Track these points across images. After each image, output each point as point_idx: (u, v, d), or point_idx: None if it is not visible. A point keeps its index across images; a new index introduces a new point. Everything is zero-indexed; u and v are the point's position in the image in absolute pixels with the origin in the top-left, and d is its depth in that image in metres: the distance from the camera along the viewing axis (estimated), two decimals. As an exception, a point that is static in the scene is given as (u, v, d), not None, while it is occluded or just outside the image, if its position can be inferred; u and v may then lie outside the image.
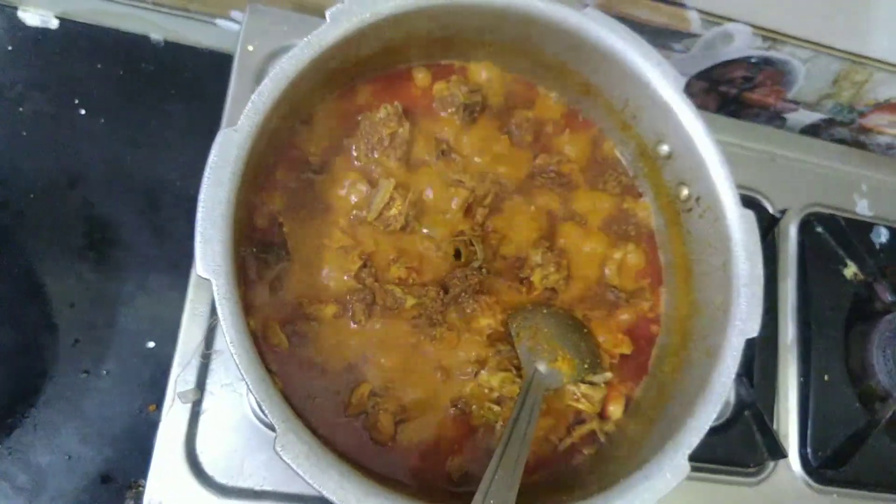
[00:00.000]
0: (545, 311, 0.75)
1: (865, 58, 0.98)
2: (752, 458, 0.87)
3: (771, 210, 0.98)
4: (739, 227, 0.70)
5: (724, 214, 0.70)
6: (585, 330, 0.76)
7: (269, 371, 0.58)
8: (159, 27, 0.96)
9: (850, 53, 0.97)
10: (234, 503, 0.70)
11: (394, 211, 0.71)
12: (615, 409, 0.76)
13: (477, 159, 0.78)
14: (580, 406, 0.75)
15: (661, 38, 0.96)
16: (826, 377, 0.92)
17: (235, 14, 0.93)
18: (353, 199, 0.73)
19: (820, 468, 0.89)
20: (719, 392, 0.65)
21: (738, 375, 0.82)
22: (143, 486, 0.69)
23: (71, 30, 0.94)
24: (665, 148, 0.77)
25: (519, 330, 0.72)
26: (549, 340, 0.72)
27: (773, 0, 0.89)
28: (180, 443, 0.70)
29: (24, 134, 0.89)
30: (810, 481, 0.88)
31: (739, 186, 0.71)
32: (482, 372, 0.72)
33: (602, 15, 0.71)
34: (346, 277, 0.71)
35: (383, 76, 0.77)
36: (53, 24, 0.94)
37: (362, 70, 0.75)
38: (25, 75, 0.91)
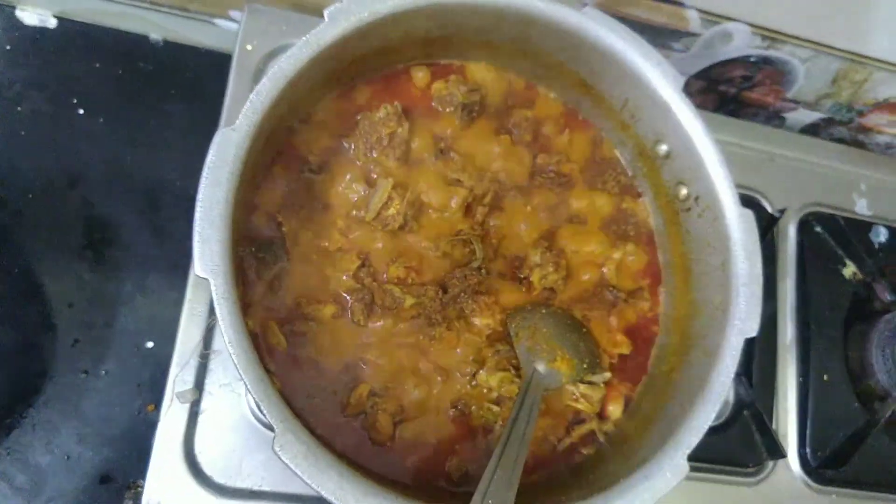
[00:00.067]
0: (544, 310, 0.75)
1: (865, 57, 0.98)
2: (751, 457, 0.87)
3: (770, 209, 0.98)
4: (738, 226, 0.70)
5: (723, 214, 0.70)
6: (584, 330, 0.76)
7: (268, 371, 0.58)
8: (158, 27, 0.95)
9: (850, 53, 0.97)
10: (232, 503, 0.69)
11: (392, 210, 0.71)
12: (614, 409, 0.76)
13: (476, 159, 0.78)
14: (579, 406, 0.74)
15: (660, 37, 0.96)
16: (825, 377, 0.92)
17: (234, 14, 0.93)
18: (352, 198, 0.73)
19: (819, 468, 0.89)
20: (718, 392, 0.65)
21: (738, 375, 0.83)
22: (142, 487, 0.69)
23: (69, 29, 0.94)
24: (664, 147, 0.77)
25: (518, 330, 0.72)
26: (548, 340, 0.72)
27: (773, -1, 0.90)
28: (179, 443, 0.70)
29: (23, 133, 0.89)
30: (809, 481, 0.88)
31: (738, 186, 0.71)
32: (481, 372, 0.72)
33: (601, 14, 0.71)
34: (344, 277, 0.71)
35: (382, 76, 0.77)
36: (52, 23, 0.93)
37: (361, 69, 0.75)
38: (24, 75, 0.91)
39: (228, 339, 0.55)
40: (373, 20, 0.65)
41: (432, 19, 0.71)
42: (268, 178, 0.71)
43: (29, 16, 0.93)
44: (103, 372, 0.84)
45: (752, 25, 0.93)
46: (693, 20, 0.92)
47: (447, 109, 0.78)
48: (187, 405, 0.71)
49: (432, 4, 0.68)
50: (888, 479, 0.91)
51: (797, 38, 0.95)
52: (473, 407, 0.72)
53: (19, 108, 0.90)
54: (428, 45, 0.76)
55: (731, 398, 0.89)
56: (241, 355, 0.55)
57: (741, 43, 0.96)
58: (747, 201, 0.89)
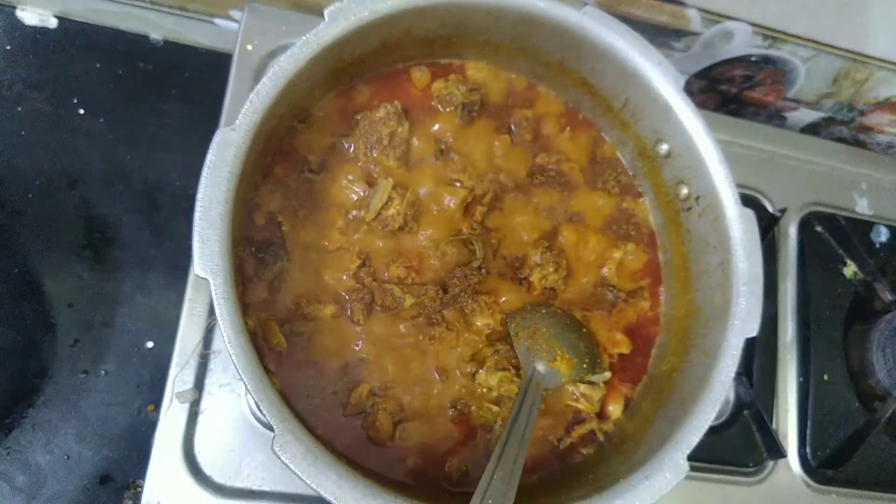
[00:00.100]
0: (544, 310, 0.75)
1: (866, 56, 0.98)
2: (751, 457, 0.87)
3: (770, 209, 0.98)
4: (739, 226, 0.70)
5: (724, 213, 0.70)
6: (584, 329, 0.76)
7: (268, 371, 0.58)
8: (158, 26, 0.96)
9: (851, 52, 0.97)
10: (232, 503, 0.69)
11: (392, 210, 0.71)
12: (614, 409, 0.76)
13: (476, 159, 0.78)
14: (579, 406, 0.74)
15: (660, 36, 0.95)
16: (825, 376, 0.92)
17: (234, 13, 0.93)
18: (352, 198, 0.73)
19: (819, 468, 0.89)
20: (718, 391, 0.65)
21: (738, 375, 0.83)
22: (142, 486, 0.69)
23: (70, 29, 0.94)
24: (664, 147, 0.77)
25: (518, 330, 0.72)
26: (547, 340, 0.72)
27: (773, -2, 0.90)
28: (178, 443, 0.70)
29: (23, 133, 0.89)
30: (809, 481, 0.88)
31: (739, 185, 0.71)
32: (481, 371, 0.72)
33: (602, 13, 0.71)
34: (344, 277, 0.71)
35: (382, 75, 0.77)
36: (52, 23, 0.93)
37: (361, 69, 0.74)
38: (24, 74, 0.91)
39: (228, 339, 0.55)
40: (373, 19, 0.65)
41: (432, 18, 0.70)
42: (268, 178, 0.71)
43: (29, 16, 0.93)
44: (103, 372, 0.84)
45: (753, 24, 0.93)
46: (694, 19, 0.92)
47: (447, 109, 0.78)
48: (187, 405, 0.71)
49: (432, 4, 0.68)
50: (888, 478, 0.90)
51: (798, 37, 0.95)
52: (473, 407, 0.72)
53: (19, 108, 0.90)
54: (428, 44, 0.75)
55: (732, 398, 0.89)
56: (240, 355, 0.55)
57: (742, 42, 0.96)
58: (748, 201, 0.89)
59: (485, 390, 0.72)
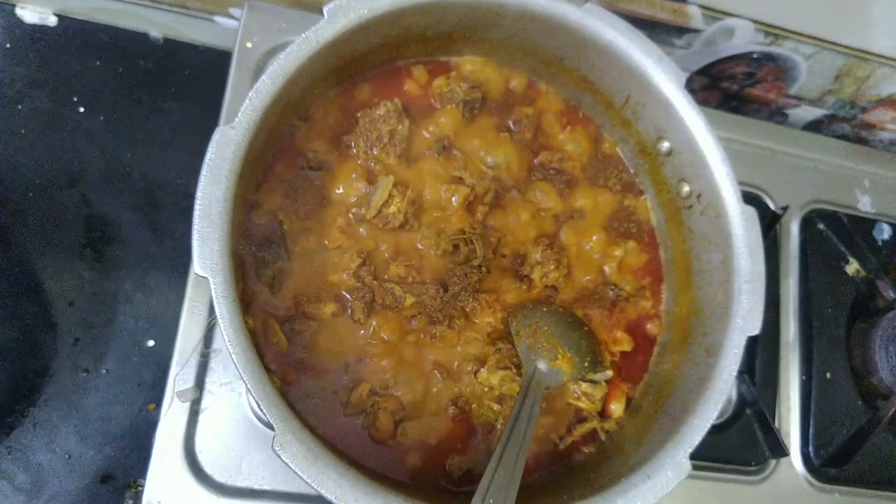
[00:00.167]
0: (545, 308, 0.75)
1: (868, 53, 0.97)
2: (753, 456, 0.87)
3: (772, 207, 0.97)
4: (740, 223, 0.69)
5: (726, 211, 0.70)
6: (586, 328, 0.76)
7: (268, 370, 0.57)
8: (158, 24, 0.95)
9: (853, 49, 0.97)
10: (232, 502, 0.69)
11: (393, 208, 0.71)
12: (616, 408, 0.76)
13: (477, 156, 0.78)
14: (581, 404, 0.74)
15: (662, 33, 0.95)
16: (828, 375, 0.92)
17: (234, 11, 0.92)
18: (353, 196, 0.73)
19: (822, 466, 0.89)
20: (720, 390, 0.65)
21: (740, 373, 0.83)
22: (143, 485, 0.69)
23: (69, 27, 0.94)
24: (666, 144, 0.76)
25: (519, 328, 0.72)
26: (549, 338, 0.72)
27: (775, -5, 0.89)
28: (179, 442, 0.70)
29: (23, 132, 0.89)
30: (812, 479, 0.88)
31: (741, 183, 0.70)
32: (482, 370, 0.71)
33: (602, 10, 0.71)
34: (345, 276, 0.71)
35: (382, 72, 0.77)
36: (52, 21, 0.93)
37: (361, 66, 0.74)
38: (24, 73, 0.91)
39: (228, 338, 0.55)
40: (372, 17, 0.65)
41: (432, 16, 0.70)
42: (268, 176, 0.71)
43: (29, 14, 0.93)
44: (104, 371, 0.84)
45: (754, 21, 0.92)
46: (695, 16, 0.92)
47: (448, 107, 0.77)
48: (188, 404, 0.71)
49: (432, 1, 0.67)
50: (891, 477, 0.90)
51: (800, 34, 0.94)
52: (474, 405, 0.72)
53: (19, 107, 0.90)
54: (428, 41, 0.75)
55: (734, 396, 0.88)
56: (240, 354, 0.55)
57: (743, 39, 0.96)
58: (750, 198, 0.89)
59: (486, 389, 0.72)
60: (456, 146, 0.77)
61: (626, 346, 0.77)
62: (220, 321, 0.55)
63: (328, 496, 0.54)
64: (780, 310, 0.94)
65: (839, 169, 1.04)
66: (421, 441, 0.69)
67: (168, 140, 0.92)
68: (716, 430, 0.81)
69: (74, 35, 0.93)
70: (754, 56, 1.00)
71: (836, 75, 1.03)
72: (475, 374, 0.72)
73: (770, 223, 0.95)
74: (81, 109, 0.91)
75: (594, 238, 0.79)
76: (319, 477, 0.54)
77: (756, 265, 0.68)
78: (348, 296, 0.70)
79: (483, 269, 0.73)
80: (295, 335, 0.68)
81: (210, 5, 0.92)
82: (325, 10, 0.64)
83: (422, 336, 0.71)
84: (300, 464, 0.54)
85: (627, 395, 0.77)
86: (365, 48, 0.70)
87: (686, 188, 0.76)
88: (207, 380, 0.73)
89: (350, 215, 0.72)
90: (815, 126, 1.17)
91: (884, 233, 1.01)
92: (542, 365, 0.71)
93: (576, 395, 0.75)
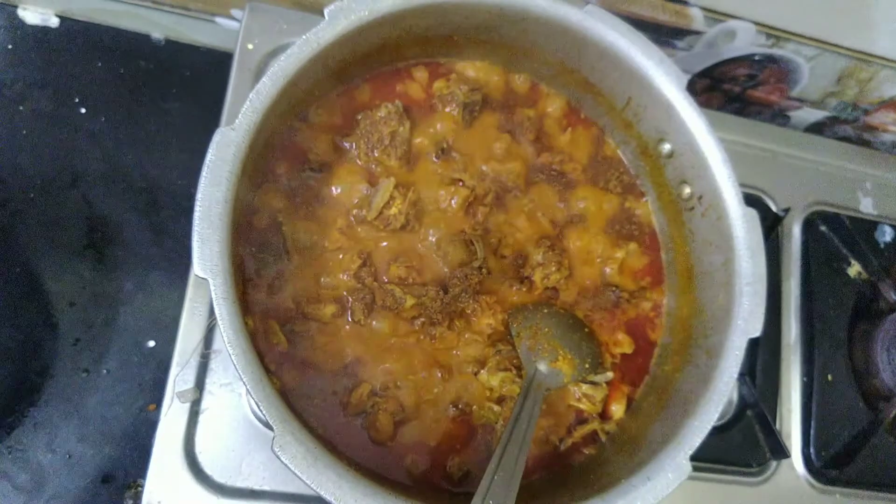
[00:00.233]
0: (546, 310, 0.75)
1: (870, 55, 0.97)
2: (754, 458, 0.86)
3: (774, 208, 0.97)
4: (742, 225, 0.69)
5: (727, 213, 0.70)
6: (586, 329, 0.76)
7: (268, 371, 0.57)
8: (160, 25, 0.95)
9: (855, 51, 0.97)
10: (232, 503, 0.69)
11: (394, 210, 0.71)
12: (617, 409, 0.75)
13: (477, 158, 0.78)
14: (581, 406, 0.74)
15: (663, 35, 0.95)
16: (829, 377, 0.92)
17: (235, 12, 0.93)
18: (354, 198, 0.73)
19: (823, 468, 0.88)
20: (721, 392, 0.65)
21: (741, 375, 0.82)
22: (142, 486, 0.69)
23: (71, 28, 0.94)
24: (667, 146, 0.76)
25: (519, 329, 0.72)
26: (549, 340, 0.72)
27: (777, -3, 0.89)
28: (179, 442, 0.70)
29: (24, 132, 0.89)
30: (813, 481, 0.88)
31: (742, 185, 0.70)
32: (482, 372, 0.71)
33: (603, 12, 0.71)
34: (345, 277, 0.71)
35: (383, 74, 0.77)
36: (54, 22, 0.93)
37: (361, 68, 0.74)
38: (25, 74, 0.91)
39: (228, 339, 0.55)
40: (373, 19, 0.65)
41: (432, 17, 0.70)
42: (268, 178, 0.71)
43: (31, 15, 0.93)
44: (104, 371, 0.84)
45: (756, 23, 0.92)
46: (697, 18, 0.92)
47: (448, 108, 0.77)
48: (188, 405, 0.71)
49: (432, 3, 0.67)
50: (892, 478, 0.90)
51: (802, 36, 0.94)
52: (474, 407, 0.72)
53: (21, 108, 0.90)
54: (428, 43, 0.75)
55: (735, 398, 0.88)
56: (240, 356, 0.55)
57: (745, 41, 0.96)
58: (751, 200, 0.89)
59: (487, 390, 0.72)
60: (456, 148, 0.77)
61: (627, 347, 0.77)
62: (219, 322, 0.55)
63: (327, 497, 0.54)
64: (782, 312, 0.94)
65: (841, 171, 1.04)
66: (421, 442, 0.69)
67: (169, 141, 0.92)
68: (717, 431, 0.81)
69: (76, 36, 0.94)
70: (756, 58, 1.00)
71: (838, 77, 1.03)
72: (475, 375, 0.72)
73: (772, 225, 0.95)
74: (83, 110, 0.91)
75: (595, 240, 0.79)
76: (319, 478, 0.54)
77: (757, 267, 0.68)
78: (348, 297, 0.70)
79: (484, 270, 0.73)
80: (295, 336, 0.68)
81: (211, 6, 0.92)
82: (325, 11, 0.64)
83: (422, 337, 0.71)
84: (300, 465, 0.54)
85: (628, 397, 0.77)
86: (365, 50, 0.70)
87: (687, 190, 0.76)
88: (207, 380, 0.73)
89: (350, 217, 0.72)
90: (817, 128, 1.17)
91: (886, 235, 1.01)
92: (542, 366, 0.71)
93: (576, 396, 0.74)
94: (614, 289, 0.79)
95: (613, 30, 0.71)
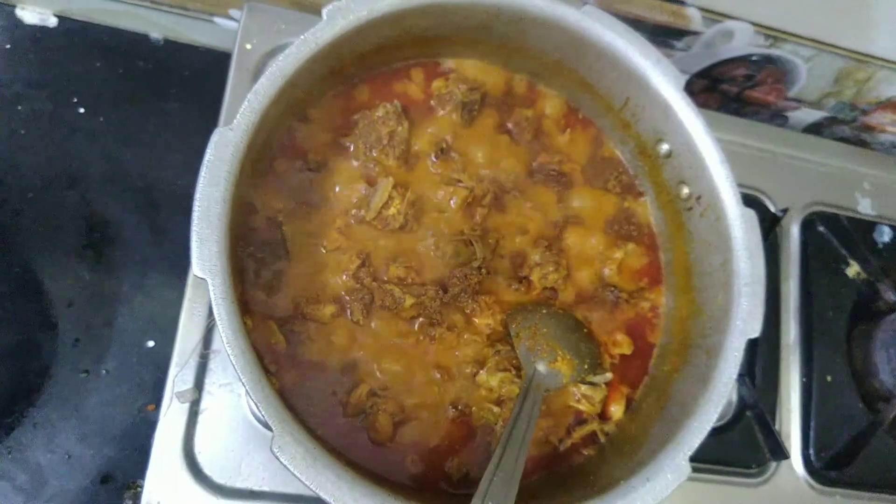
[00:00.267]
0: (545, 310, 0.75)
1: (868, 56, 0.97)
2: (754, 458, 0.86)
3: (772, 209, 0.97)
4: (740, 225, 0.69)
5: (725, 213, 0.70)
6: (585, 330, 0.76)
7: (267, 371, 0.57)
8: (158, 25, 0.95)
9: (853, 52, 0.97)
10: (232, 503, 0.69)
11: (392, 210, 0.71)
12: (616, 410, 0.75)
13: (476, 158, 0.78)
14: (580, 407, 0.74)
15: (661, 35, 0.95)
16: (829, 377, 0.92)
17: (234, 12, 0.93)
18: (352, 198, 0.73)
19: (823, 469, 0.88)
20: (721, 392, 0.65)
21: (740, 376, 0.82)
22: (142, 486, 0.69)
23: (70, 28, 0.94)
24: (665, 146, 0.76)
25: (518, 330, 0.72)
26: (548, 340, 0.72)
27: (775, -3, 0.89)
28: (179, 443, 0.70)
29: (23, 132, 0.89)
30: (813, 482, 0.88)
31: (740, 185, 0.70)
32: (481, 372, 0.71)
33: (601, 12, 0.71)
34: (344, 277, 0.71)
35: (381, 74, 0.77)
36: (52, 22, 0.93)
37: (360, 68, 0.74)
38: (24, 74, 0.91)
39: (226, 339, 0.55)
40: (371, 19, 0.65)
41: (431, 17, 0.70)
42: (267, 178, 0.71)
43: (29, 14, 0.93)
44: (104, 371, 0.84)
45: (754, 24, 0.92)
46: (694, 18, 0.92)
47: (447, 108, 0.77)
48: (187, 405, 0.71)
49: (430, 3, 0.67)
50: (892, 479, 0.90)
51: (799, 36, 0.94)
52: (474, 407, 0.71)
53: (19, 107, 0.90)
54: (427, 43, 0.75)
55: (734, 399, 0.88)
56: (239, 356, 0.55)
57: (743, 41, 0.96)
58: (750, 201, 0.89)
59: (486, 391, 0.72)
60: (455, 148, 0.77)
61: (626, 348, 0.77)
62: (218, 323, 0.55)
63: (326, 498, 0.54)
64: (781, 312, 0.94)
65: (839, 171, 1.04)
66: (420, 443, 0.69)
67: (168, 141, 0.92)
68: (716, 432, 0.80)
69: (75, 36, 0.94)
70: (754, 58, 1.00)
71: (835, 78, 1.03)
72: (475, 375, 0.72)
73: (770, 225, 0.95)
74: (82, 110, 0.91)
75: (594, 240, 0.79)
76: (318, 478, 0.54)
77: (756, 268, 0.68)
78: (347, 297, 0.70)
79: (482, 270, 0.73)
80: (294, 336, 0.68)
81: (210, 7, 0.92)
82: (324, 11, 0.64)
83: (421, 338, 0.71)
84: (299, 465, 0.54)
85: (627, 398, 0.77)
86: (364, 49, 0.70)
87: (686, 190, 0.76)
88: (207, 381, 0.73)
89: (349, 217, 0.72)
90: (815, 128, 1.17)
91: (884, 235, 1.01)
92: (541, 367, 0.71)
93: (575, 397, 0.74)
94: (613, 289, 0.79)
95: (611, 30, 0.71)
